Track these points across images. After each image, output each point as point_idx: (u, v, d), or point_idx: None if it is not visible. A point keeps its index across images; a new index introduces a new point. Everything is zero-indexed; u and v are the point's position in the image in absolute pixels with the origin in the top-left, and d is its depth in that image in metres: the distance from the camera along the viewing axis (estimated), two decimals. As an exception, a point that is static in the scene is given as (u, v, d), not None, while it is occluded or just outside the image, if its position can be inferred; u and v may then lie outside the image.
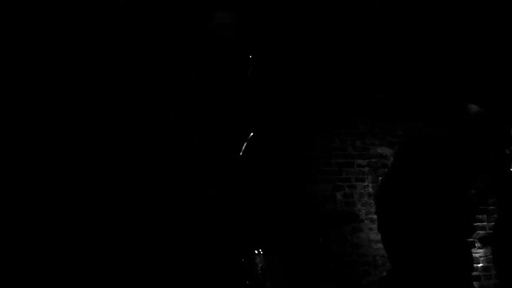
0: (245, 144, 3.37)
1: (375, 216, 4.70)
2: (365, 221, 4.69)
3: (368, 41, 4.76)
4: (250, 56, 3.08)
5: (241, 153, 3.35)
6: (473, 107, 3.08)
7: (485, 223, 5.03)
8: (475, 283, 4.87)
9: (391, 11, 4.40)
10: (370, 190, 4.80)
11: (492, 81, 5.04)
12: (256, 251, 3.45)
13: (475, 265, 4.90)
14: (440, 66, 5.03)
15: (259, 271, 3.35)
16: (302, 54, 4.72)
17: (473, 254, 4.91)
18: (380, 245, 4.55)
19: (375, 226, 4.72)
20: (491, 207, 5.09)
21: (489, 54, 4.90)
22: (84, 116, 3.81)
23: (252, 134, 3.36)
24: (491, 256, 4.71)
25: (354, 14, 4.44)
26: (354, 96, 5.01)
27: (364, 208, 4.74)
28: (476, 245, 4.91)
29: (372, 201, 4.79)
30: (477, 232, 4.98)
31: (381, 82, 5.01)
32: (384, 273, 4.59)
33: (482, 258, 4.90)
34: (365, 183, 4.84)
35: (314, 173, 4.73)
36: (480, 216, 5.07)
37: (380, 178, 4.83)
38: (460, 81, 5.12)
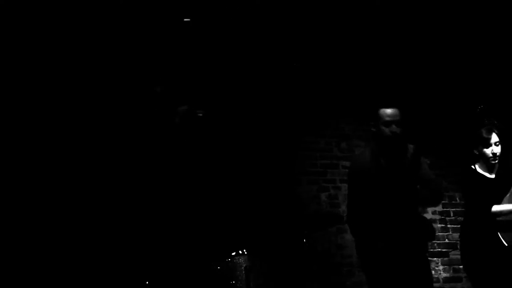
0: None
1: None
2: (350, 222, 4.70)
3: (355, 44, 4.79)
4: None
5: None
6: (383, 111, 3.11)
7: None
8: (457, 285, 4.92)
9: (374, 14, 4.43)
10: (355, 191, 4.82)
11: (468, 85, 5.10)
12: (240, 252, 3.44)
13: (457, 266, 4.95)
14: (427, 69, 5.07)
15: (243, 271, 3.34)
16: (289, 55, 4.72)
17: (456, 256, 4.98)
18: (364, 246, 4.57)
19: (359, 227, 4.75)
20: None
21: (476, 58, 4.95)
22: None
23: None
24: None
25: (343, 17, 4.46)
26: (340, 98, 5.03)
27: (348, 209, 4.76)
28: (458, 246, 4.95)
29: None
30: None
31: (367, 84, 5.03)
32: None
33: (464, 259, 4.94)
34: (350, 185, 4.85)
35: (299, 174, 4.73)
36: (462, 219, 5.13)
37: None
38: (443, 84, 5.17)
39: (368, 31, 4.62)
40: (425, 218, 3.29)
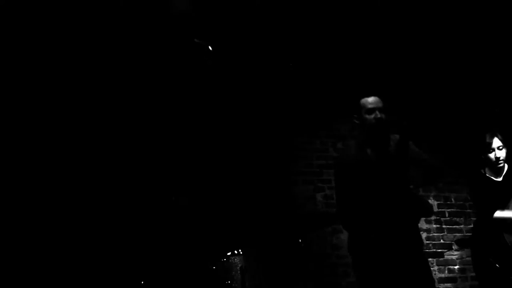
0: None
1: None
2: (345, 222, 4.71)
3: (353, 44, 4.79)
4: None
5: None
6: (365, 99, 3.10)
7: (462, 226, 5.10)
8: (452, 285, 4.94)
9: (371, 14, 4.43)
10: (350, 191, 4.82)
11: (471, 89, 5.11)
12: (236, 252, 3.44)
13: (452, 267, 4.97)
14: (425, 70, 5.08)
15: (239, 271, 3.34)
16: (285, 55, 4.72)
17: (451, 256, 4.99)
18: (359, 246, 4.57)
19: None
20: (468, 210, 5.17)
21: (474, 61, 4.97)
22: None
23: None
24: (467, 258, 4.78)
25: (338, 18, 4.46)
26: (336, 98, 5.03)
27: (344, 209, 4.76)
28: (453, 247, 4.98)
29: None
30: (454, 234, 5.05)
31: (364, 85, 5.03)
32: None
33: (459, 260, 4.97)
34: (346, 185, 4.85)
35: (294, 174, 4.73)
36: (457, 219, 5.15)
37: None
38: (439, 86, 5.18)
39: (366, 30, 4.62)
40: (420, 197, 3.23)
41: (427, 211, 3.15)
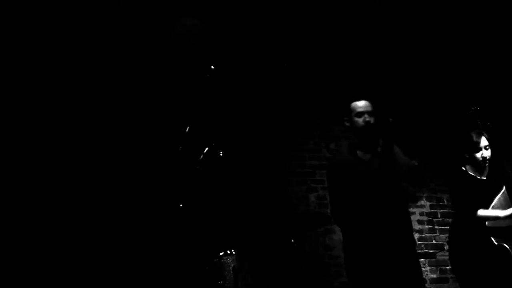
0: (202, 156, 3.37)
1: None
2: (338, 223, 4.72)
3: (345, 45, 4.80)
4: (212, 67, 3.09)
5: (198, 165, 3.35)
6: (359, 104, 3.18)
7: (455, 227, 5.13)
8: (443, 285, 4.96)
9: (365, 15, 4.45)
10: (343, 192, 4.83)
11: (456, 88, 5.15)
12: (228, 251, 3.44)
13: (444, 267, 4.99)
14: (417, 71, 5.10)
15: (231, 271, 3.33)
16: (280, 55, 4.73)
17: (443, 257, 5.02)
18: (352, 247, 4.58)
19: (347, 228, 4.76)
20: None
21: (465, 60, 4.99)
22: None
23: (207, 148, 3.36)
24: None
25: (332, 19, 4.48)
26: (329, 99, 5.05)
27: (337, 210, 4.77)
28: (445, 248, 5.00)
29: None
30: (447, 235, 5.07)
31: (357, 86, 5.05)
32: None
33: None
34: (339, 185, 4.86)
35: (287, 175, 4.74)
36: (450, 220, 5.17)
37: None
38: (432, 87, 5.21)
39: (358, 32, 4.64)
40: (402, 186, 3.16)
41: (412, 197, 3.21)
